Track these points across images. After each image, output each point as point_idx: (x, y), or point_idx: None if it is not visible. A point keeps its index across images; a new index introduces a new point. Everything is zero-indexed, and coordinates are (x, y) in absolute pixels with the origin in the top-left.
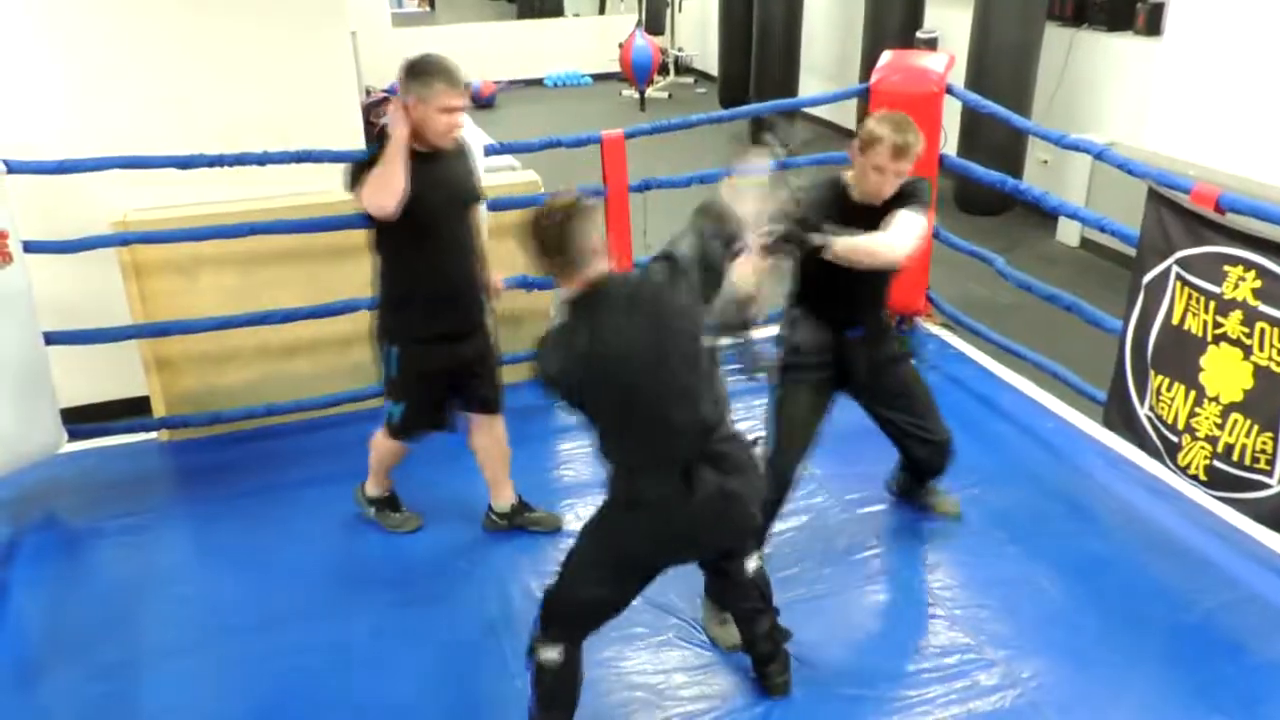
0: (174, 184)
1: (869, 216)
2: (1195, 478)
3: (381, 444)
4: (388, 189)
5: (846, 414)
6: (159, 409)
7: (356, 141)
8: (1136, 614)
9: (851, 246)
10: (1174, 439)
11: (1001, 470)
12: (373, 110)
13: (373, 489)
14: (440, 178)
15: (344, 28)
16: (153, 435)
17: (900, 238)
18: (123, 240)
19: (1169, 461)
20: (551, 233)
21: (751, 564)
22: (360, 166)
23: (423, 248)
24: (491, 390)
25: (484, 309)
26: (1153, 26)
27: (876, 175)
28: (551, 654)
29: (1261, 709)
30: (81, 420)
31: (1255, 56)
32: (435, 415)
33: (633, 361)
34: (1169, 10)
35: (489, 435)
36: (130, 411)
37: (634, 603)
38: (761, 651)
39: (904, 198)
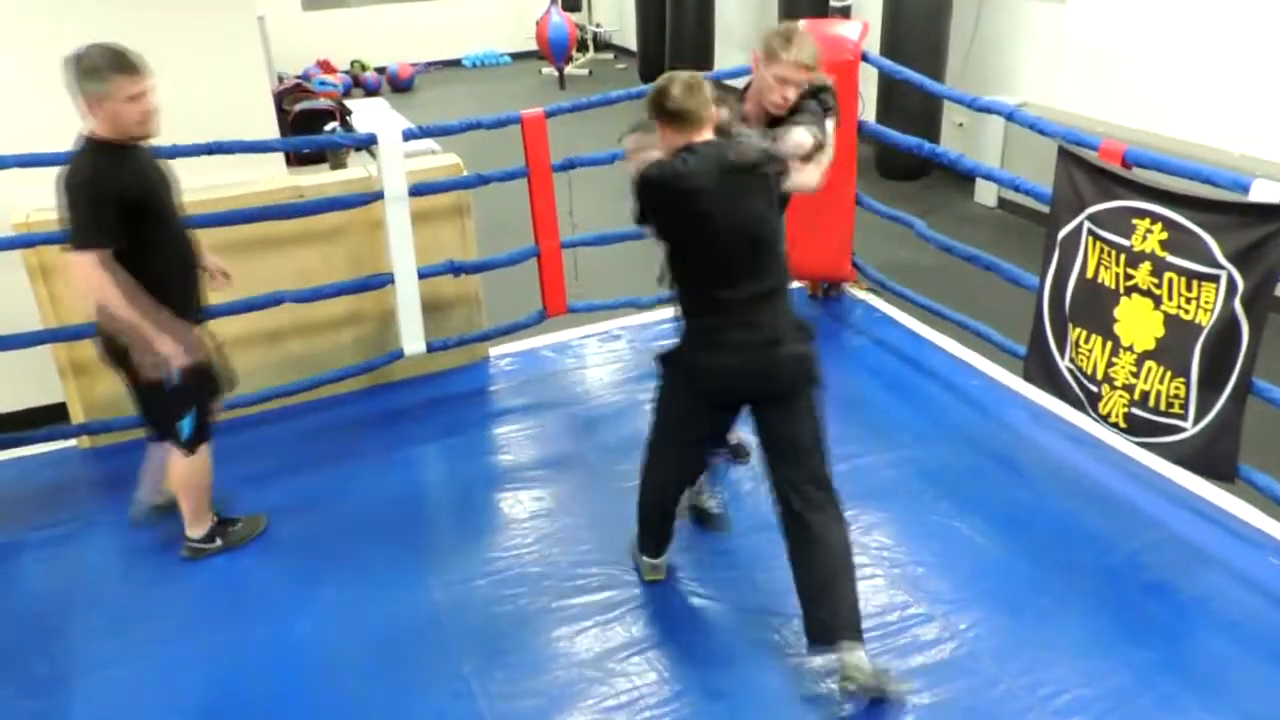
0: None
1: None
2: (1116, 425)
3: (182, 469)
4: (94, 292)
5: None
6: (77, 415)
7: (269, 131)
8: (1065, 560)
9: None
10: (1094, 389)
11: (931, 429)
12: (285, 97)
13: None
14: (153, 164)
15: (251, 13)
16: (72, 442)
17: None
18: (26, 242)
19: (1091, 411)
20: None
21: None
22: (99, 233)
23: (165, 232)
24: None
25: None
26: None
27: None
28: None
29: (1186, 643)
30: None
31: (1156, 15)
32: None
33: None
34: None
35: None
36: (47, 419)
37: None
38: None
39: None
